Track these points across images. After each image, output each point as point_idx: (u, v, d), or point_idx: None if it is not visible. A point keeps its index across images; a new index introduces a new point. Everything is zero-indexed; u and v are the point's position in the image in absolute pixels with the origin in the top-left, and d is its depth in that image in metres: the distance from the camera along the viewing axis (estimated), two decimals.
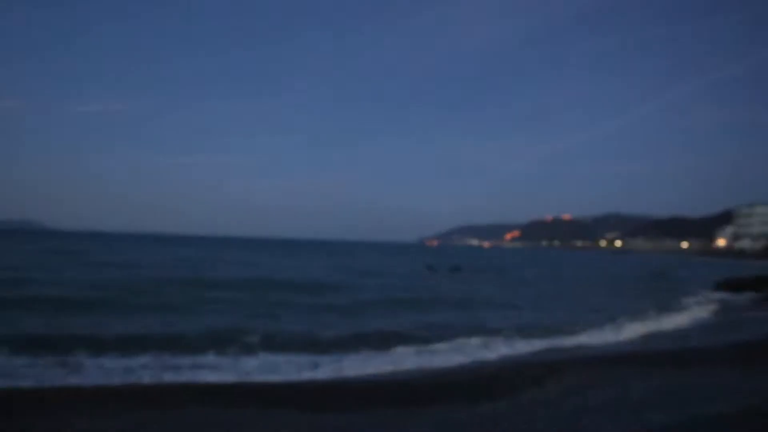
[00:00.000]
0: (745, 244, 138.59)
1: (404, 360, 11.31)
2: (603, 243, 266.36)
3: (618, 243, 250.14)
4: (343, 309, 19.30)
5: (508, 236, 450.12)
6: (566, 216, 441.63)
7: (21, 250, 54.64)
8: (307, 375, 9.93)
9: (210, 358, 10.83)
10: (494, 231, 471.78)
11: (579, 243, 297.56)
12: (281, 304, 19.50)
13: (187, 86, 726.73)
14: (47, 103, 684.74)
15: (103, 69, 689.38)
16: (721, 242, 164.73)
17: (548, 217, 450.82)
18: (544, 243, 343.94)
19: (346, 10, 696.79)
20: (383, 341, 12.89)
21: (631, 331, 15.95)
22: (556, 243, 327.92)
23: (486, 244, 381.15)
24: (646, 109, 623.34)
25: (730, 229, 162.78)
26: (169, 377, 9.39)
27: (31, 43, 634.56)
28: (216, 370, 10.03)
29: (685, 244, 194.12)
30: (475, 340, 13.43)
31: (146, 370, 9.76)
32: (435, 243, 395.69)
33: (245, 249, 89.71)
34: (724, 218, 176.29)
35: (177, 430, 6.58)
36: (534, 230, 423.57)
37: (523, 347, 13.02)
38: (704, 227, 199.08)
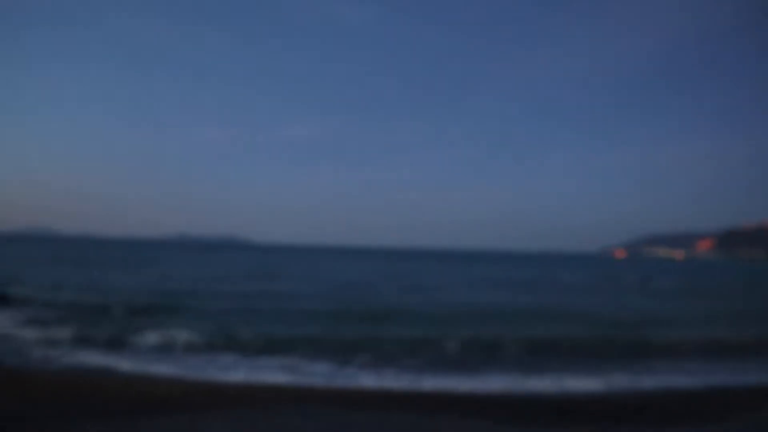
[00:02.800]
0: None
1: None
2: None
3: None
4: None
5: (702, 245, 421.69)
6: None
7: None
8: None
9: None
10: (685, 239, 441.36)
11: None
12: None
13: (374, 108, 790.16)
14: (253, 130, 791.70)
15: (302, 97, 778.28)
16: None
17: (748, 223, 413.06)
18: (742, 253, 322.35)
19: (520, 21, 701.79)
20: None
21: None
22: (759, 253, 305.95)
23: (677, 254, 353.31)
24: None
25: None
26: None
27: (238, 76, 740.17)
28: None
29: None
30: (663, 361, 13.40)
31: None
32: (621, 254, 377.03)
33: (448, 263, 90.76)
34: None
35: None
36: (731, 239, 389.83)
37: (726, 372, 12.58)
38: None
